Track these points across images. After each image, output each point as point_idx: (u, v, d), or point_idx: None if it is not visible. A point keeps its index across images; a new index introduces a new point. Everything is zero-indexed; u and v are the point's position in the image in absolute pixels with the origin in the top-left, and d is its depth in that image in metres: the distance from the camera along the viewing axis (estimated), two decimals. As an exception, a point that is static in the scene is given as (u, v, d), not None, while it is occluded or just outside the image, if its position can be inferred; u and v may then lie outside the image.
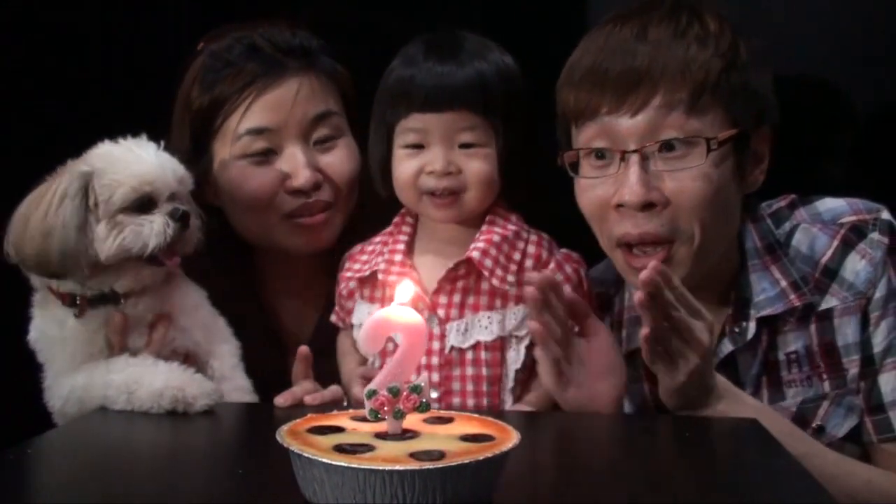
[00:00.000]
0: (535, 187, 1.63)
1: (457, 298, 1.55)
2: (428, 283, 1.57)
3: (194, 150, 1.77)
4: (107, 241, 1.49)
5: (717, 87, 1.45)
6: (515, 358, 1.55)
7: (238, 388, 1.61)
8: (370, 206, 1.83)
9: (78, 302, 1.54)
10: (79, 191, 1.49)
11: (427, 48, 1.55)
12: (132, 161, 1.53)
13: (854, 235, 1.56)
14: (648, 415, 1.60)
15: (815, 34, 2.12)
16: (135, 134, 1.58)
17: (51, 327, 1.56)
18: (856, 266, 1.54)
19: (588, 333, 1.51)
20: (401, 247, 1.60)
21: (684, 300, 1.38)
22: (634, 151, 1.47)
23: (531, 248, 1.59)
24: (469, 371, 1.54)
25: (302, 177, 1.75)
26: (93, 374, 1.50)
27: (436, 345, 1.54)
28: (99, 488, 1.12)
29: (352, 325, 1.66)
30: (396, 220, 1.66)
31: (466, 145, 1.54)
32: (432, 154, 1.54)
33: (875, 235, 1.55)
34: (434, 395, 1.52)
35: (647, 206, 1.47)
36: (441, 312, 1.55)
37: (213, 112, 1.76)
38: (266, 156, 1.76)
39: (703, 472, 1.22)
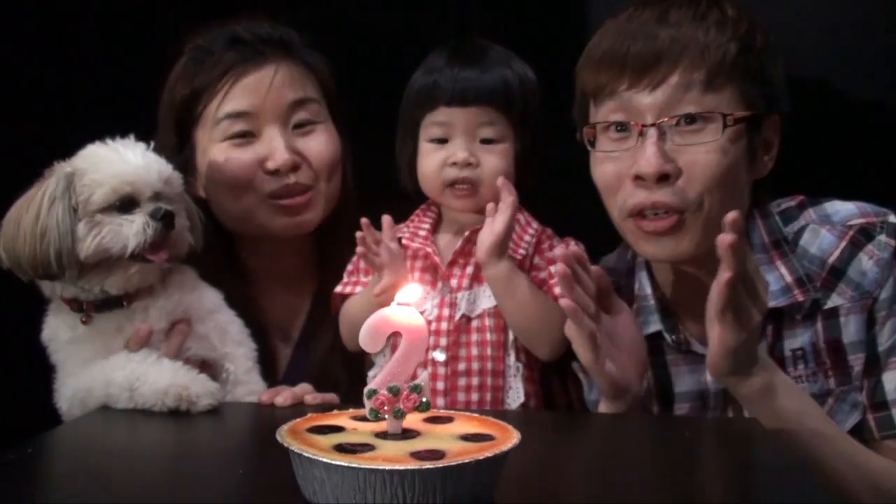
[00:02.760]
0: (544, 186, 1.71)
1: (469, 270, 1.66)
2: (444, 256, 1.68)
3: (178, 141, 1.81)
4: (86, 241, 1.49)
5: (733, 69, 1.51)
6: None
7: (253, 392, 1.61)
8: (354, 195, 1.90)
9: (84, 308, 1.55)
10: (65, 191, 1.49)
11: (450, 56, 1.67)
12: (114, 161, 1.53)
13: (862, 237, 1.58)
14: (648, 415, 1.61)
15: (816, 34, 2.12)
16: (126, 134, 1.59)
17: (63, 330, 1.57)
18: (863, 267, 1.56)
19: (612, 310, 1.57)
20: (426, 225, 1.72)
21: (750, 259, 1.40)
22: (653, 125, 1.52)
23: (536, 234, 1.69)
24: (474, 337, 1.64)
25: (279, 158, 1.77)
26: (94, 375, 1.50)
27: (446, 311, 1.64)
28: (99, 488, 1.13)
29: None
30: (422, 207, 1.75)
31: (487, 140, 1.65)
32: (455, 146, 1.65)
33: (882, 238, 1.58)
34: (442, 357, 1.62)
35: (662, 178, 1.52)
36: (454, 282, 1.66)
37: (194, 101, 1.79)
38: (245, 138, 1.79)
39: (703, 472, 1.23)
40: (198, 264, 1.67)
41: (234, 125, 1.78)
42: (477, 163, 1.65)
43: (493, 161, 1.65)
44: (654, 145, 1.51)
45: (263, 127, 1.79)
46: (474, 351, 1.63)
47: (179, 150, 1.80)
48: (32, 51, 2.22)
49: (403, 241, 1.69)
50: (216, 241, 1.80)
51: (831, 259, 1.58)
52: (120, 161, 1.53)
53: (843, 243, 1.58)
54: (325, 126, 1.85)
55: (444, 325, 1.63)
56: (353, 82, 1.95)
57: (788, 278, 1.58)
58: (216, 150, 1.79)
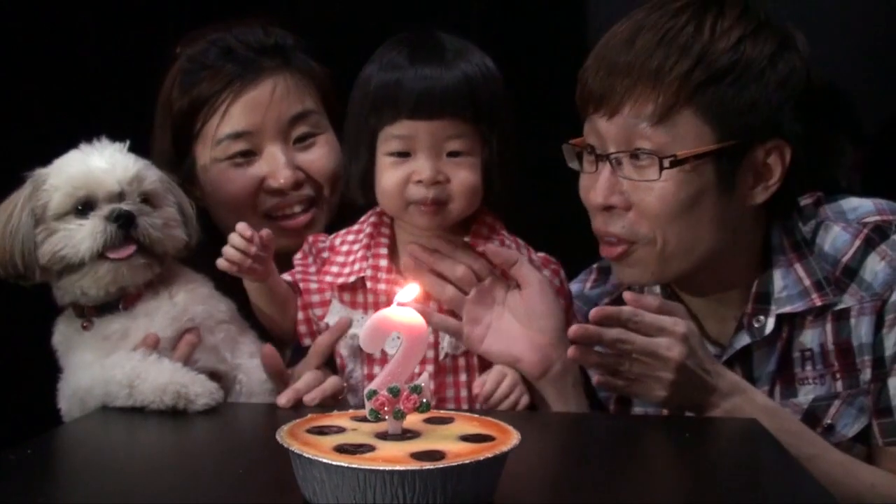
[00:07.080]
0: (516, 193, 1.59)
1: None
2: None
3: (176, 152, 1.79)
4: (42, 247, 1.49)
5: (691, 100, 1.44)
6: None
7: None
8: (351, 202, 1.86)
9: (85, 313, 1.54)
10: (30, 197, 1.50)
11: (411, 51, 1.50)
12: (72, 165, 1.52)
13: (876, 236, 1.55)
14: (649, 415, 1.60)
15: (817, 35, 2.11)
16: (127, 136, 1.57)
17: (70, 335, 1.57)
18: (875, 267, 1.53)
19: (521, 283, 1.54)
20: (383, 251, 1.57)
21: (643, 325, 1.39)
22: (608, 155, 1.49)
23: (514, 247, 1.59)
24: (462, 377, 1.55)
25: (282, 176, 1.77)
26: (94, 374, 1.49)
27: (429, 353, 1.53)
28: (99, 488, 1.13)
29: (323, 324, 1.60)
30: (373, 219, 1.60)
31: (454, 153, 1.50)
32: (419, 162, 1.48)
33: None
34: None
35: (608, 208, 1.51)
36: None
37: (192, 115, 1.78)
38: (246, 157, 1.78)
39: (703, 472, 1.22)
40: (195, 263, 1.65)
41: (235, 145, 1.77)
42: (445, 179, 1.48)
43: (463, 176, 1.49)
44: (604, 176, 1.50)
45: (264, 144, 1.78)
46: (463, 392, 1.54)
47: (177, 159, 1.78)
48: (32, 54, 2.22)
49: (368, 285, 1.54)
50: (217, 247, 1.79)
51: (845, 258, 1.55)
52: (78, 165, 1.51)
53: (858, 242, 1.54)
54: (325, 137, 1.83)
55: (428, 368, 1.52)
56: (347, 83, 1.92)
57: (807, 282, 1.55)
58: (216, 169, 1.78)
